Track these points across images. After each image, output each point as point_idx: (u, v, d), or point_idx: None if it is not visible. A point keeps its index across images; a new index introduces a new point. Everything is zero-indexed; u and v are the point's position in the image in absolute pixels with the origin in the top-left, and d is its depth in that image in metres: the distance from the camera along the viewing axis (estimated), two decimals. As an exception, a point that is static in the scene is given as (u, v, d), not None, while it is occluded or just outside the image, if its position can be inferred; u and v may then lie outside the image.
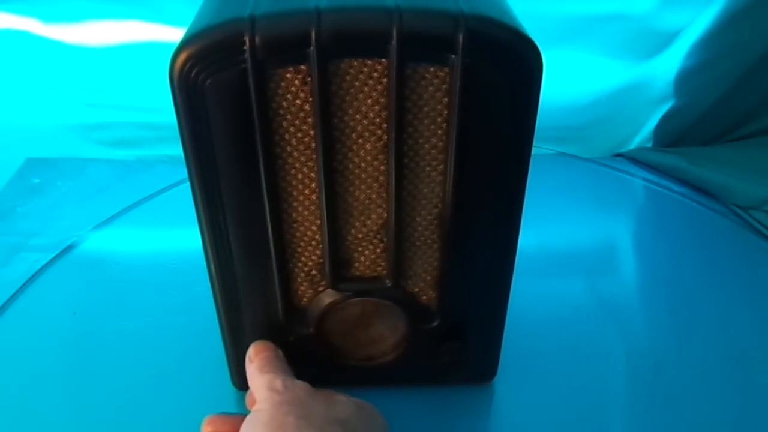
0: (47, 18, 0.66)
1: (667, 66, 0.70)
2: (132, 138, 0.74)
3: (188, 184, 0.33)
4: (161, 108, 0.68)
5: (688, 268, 0.57)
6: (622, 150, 0.75)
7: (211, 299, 0.39)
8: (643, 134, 0.76)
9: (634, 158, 0.73)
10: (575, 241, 0.61)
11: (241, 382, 0.42)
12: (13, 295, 0.53)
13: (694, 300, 0.53)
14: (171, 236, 0.61)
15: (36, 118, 0.72)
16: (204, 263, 0.37)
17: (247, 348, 0.39)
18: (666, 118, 0.74)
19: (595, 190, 0.69)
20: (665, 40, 0.68)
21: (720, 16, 0.65)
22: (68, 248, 0.58)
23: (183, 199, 0.42)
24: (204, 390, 0.44)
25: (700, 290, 0.55)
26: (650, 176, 0.70)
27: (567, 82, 0.69)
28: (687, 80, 0.70)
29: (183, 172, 0.33)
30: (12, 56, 0.69)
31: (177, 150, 0.32)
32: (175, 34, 0.66)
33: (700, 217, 0.65)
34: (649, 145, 0.76)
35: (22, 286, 0.54)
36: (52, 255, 0.57)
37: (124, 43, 0.67)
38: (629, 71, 0.70)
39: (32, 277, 0.55)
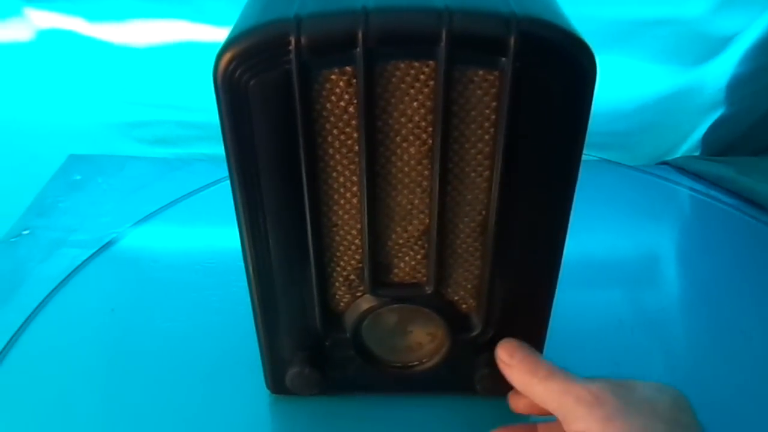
0: (92, 17, 0.67)
1: (718, 72, 0.68)
2: (172, 136, 0.75)
3: (227, 182, 0.33)
4: (201, 107, 0.70)
5: (734, 284, 0.55)
6: (668, 158, 0.73)
7: (248, 300, 0.38)
8: (690, 142, 0.74)
9: (680, 167, 0.71)
10: (617, 252, 0.59)
11: (275, 385, 0.42)
12: (53, 290, 0.53)
13: (740, 318, 0.51)
14: (209, 234, 0.61)
15: (79, 115, 0.73)
16: (241, 263, 0.36)
17: (281, 351, 0.39)
18: (715, 127, 0.72)
19: (638, 199, 0.67)
20: (717, 45, 0.66)
21: (776, 21, 0.63)
22: (108, 244, 0.59)
23: (221, 197, 0.42)
24: (238, 392, 0.44)
25: (746, 308, 0.52)
26: (697, 186, 0.68)
27: (613, 87, 0.68)
28: (739, 88, 0.68)
29: (221, 171, 0.33)
30: (57, 55, 0.70)
31: (216, 148, 0.32)
32: (215, 34, 0.66)
33: (748, 229, 0.62)
34: (697, 153, 0.74)
35: (62, 282, 0.54)
36: (92, 251, 0.58)
37: (165, 43, 0.68)
38: (678, 77, 0.69)
39: (72, 272, 0.55)
